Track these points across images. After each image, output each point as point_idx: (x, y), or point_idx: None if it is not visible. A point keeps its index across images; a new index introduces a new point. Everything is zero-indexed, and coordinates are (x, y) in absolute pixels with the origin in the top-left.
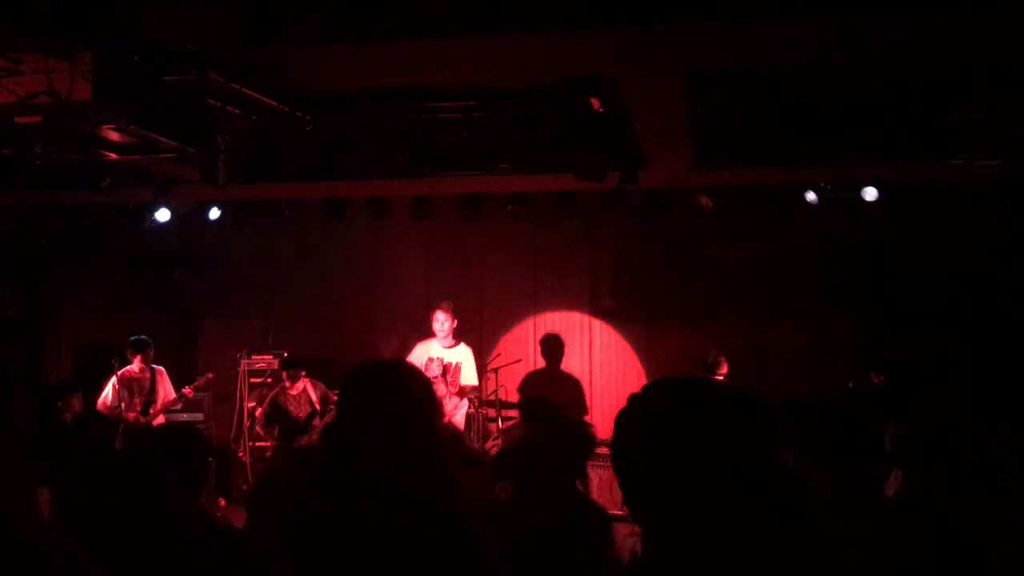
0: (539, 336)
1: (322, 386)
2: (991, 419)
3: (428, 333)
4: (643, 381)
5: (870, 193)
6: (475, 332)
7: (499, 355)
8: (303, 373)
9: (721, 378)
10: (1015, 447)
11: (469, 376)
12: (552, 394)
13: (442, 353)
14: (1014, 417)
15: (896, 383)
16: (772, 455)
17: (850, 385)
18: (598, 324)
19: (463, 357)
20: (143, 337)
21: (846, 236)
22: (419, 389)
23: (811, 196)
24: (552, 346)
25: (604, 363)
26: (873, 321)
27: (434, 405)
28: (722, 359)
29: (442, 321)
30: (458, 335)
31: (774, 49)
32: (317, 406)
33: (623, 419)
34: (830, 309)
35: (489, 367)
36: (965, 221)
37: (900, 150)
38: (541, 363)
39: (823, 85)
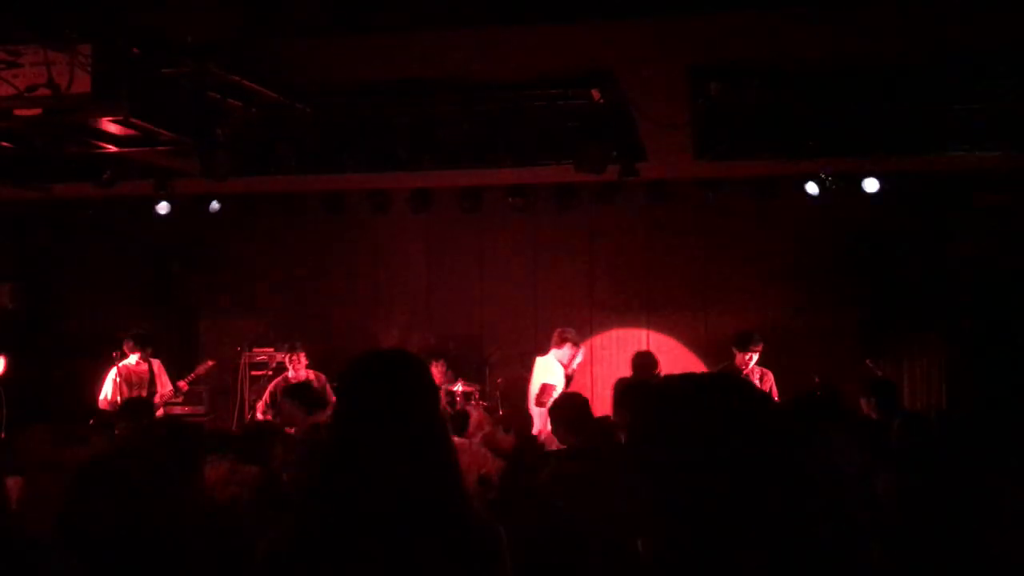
0: (539, 326)
1: (323, 377)
2: (992, 408)
3: (428, 328)
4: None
5: (871, 184)
6: (475, 323)
7: (500, 348)
8: (303, 353)
9: (756, 356)
10: (1016, 437)
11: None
12: None
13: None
14: (1015, 407)
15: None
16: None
17: (816, 381)
18: (598, 315)
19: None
20: (144, 332)
21: (847, 227)
22: (418, 377)
23: (812, 187)
24: None
25: (604, 354)
26: (874, 311)
27: (435, 393)
28: (758, 338)
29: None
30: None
31: (773, 40)
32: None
33: (641, 417)
34: (831, 300)
35: (491, 359)
36: (965, 212)
37: (900, 141)
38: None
39: (823, 76)
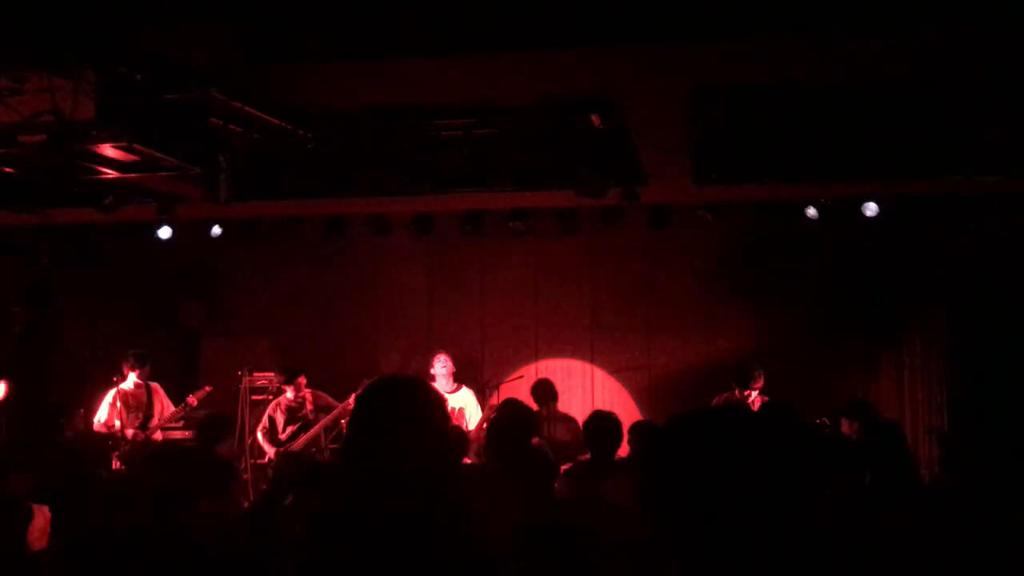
0: (540, 351)
1: (323, 395)
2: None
3: (428, 350)
4: (645, 394)
5: (871, 208)
6: (476, 348)
7: (500, 371)
8: (303, 380)
9: (755, 392)
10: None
11: (473, 419)
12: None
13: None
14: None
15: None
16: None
17: (827, 423)
18: (600, 339)
19: (466, 402)
20: (143, 352)
21: (847, 251)
22: (434, 406)
23: (812, 211)
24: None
25: (605, 378)
26: (874, 335)
27: (445, 420)
28: (758, 372)
29: (444, 361)
30: (458, 376)
31: (773, 65)
32: (310, 416)
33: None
34: (832, 324)
35: (491, 382)
36: (966, 236)
37: (900, 166)
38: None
39: (822, 100)
